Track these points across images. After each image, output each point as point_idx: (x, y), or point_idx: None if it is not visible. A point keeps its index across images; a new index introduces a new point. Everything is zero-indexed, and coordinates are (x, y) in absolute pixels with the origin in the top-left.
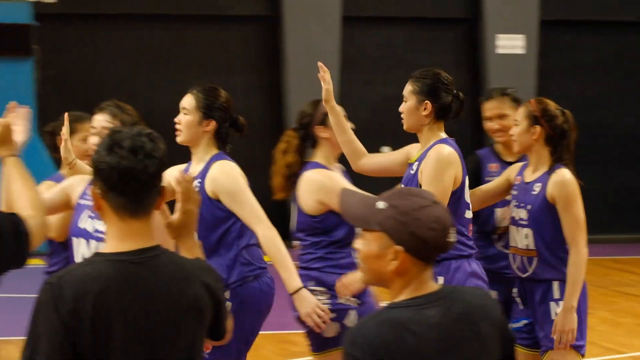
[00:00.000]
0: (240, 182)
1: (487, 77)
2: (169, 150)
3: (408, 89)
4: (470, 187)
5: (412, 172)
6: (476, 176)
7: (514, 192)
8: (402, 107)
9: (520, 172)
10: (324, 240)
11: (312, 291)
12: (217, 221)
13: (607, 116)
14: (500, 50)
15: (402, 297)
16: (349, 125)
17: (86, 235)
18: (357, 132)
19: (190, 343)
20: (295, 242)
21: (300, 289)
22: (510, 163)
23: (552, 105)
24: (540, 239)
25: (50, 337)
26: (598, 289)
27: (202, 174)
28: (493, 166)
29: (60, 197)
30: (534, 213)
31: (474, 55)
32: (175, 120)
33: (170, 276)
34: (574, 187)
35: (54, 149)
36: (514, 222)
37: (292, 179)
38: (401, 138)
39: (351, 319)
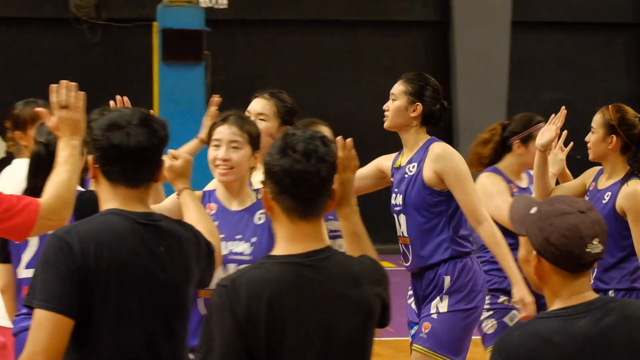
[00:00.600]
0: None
1: None
2: None
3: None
4: None
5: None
6: None
7: (586, 198)
8: (390, 105)
9: (596, 178)
10: None
11: None
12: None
13: None
14: None
15: (554, 307)
16: None
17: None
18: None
19: (362, 344)
20: None
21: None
22: None
23: (630, 113)
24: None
25: (225, 339)
26: None
27: (419, 158)
28: None
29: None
30: None
31: None
32: (384, 107)
33: (340, 278)
34: None
35: None
36: None
37: (477, 168)
38: (576, 141)
39: (511, 318)
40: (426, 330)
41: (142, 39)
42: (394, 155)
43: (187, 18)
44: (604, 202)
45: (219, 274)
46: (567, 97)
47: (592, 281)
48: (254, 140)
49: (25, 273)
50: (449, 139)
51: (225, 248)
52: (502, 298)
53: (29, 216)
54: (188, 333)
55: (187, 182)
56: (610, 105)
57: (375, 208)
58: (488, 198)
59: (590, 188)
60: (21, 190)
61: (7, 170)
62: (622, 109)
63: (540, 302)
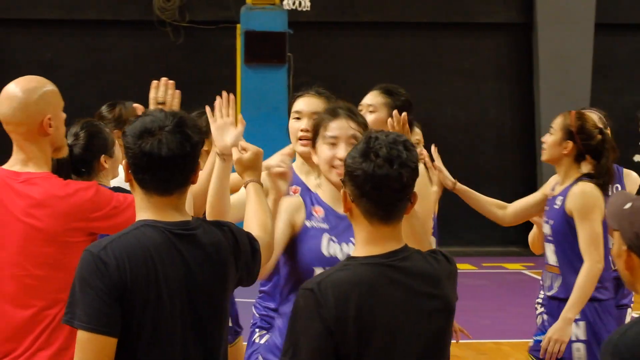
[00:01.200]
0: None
1: None
2: None
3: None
4: None
5: (556, 206)
6: None
7: (546, 208)
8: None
9: (554, 186)
10: None
11: None
12: None
13: None
14: None
15: None
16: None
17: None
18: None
19: (444, 343)
20: None
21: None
22: None
23: (590, 123)
24: (562, 255)
25: (312, 343)
26: None
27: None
28: None
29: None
30: (555, 228)
31: None
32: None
33: (421, 277)
34: (594, 200)
35: None
36: (545, 238)
37: None
38: None
39: None
40: None
41: (225, 41)
42: None
43: (270, 20)
44: (556, 207)
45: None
46: None
47: (557, 289)
48: None
49: None
50: (532, 142)
51: (340, 251)
52: None
53: (133, 213)
54: (227, 336)
55: (255, 175)
56: (573, 111)
57: (453, 209)
58: None
59: (550, 197)
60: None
61: None
62: (583, 117)
63: None
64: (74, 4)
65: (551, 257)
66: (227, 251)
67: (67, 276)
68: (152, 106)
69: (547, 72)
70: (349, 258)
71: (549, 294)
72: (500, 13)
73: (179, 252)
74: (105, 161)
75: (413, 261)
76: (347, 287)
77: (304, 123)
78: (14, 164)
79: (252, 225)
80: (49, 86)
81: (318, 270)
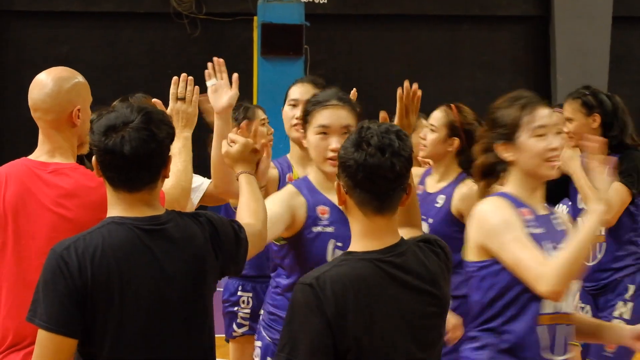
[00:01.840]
0: None
1: None
2: None
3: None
4: None
5: None
6: None
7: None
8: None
9: (422, 181)
10: None
11: None
12: None
13: None
14: None
15: None
16: None
17: None
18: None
19: (438, 338)
20: None
21: None
22: None
23: (471, 115)
24: None
25: (312, 338)
26: None
27: None
28: None
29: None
30: (434, 227)
31: None
32: None
33: (418, 272)
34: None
35: None
36: None
37: None
38: None
39: None
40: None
41: (242, 33)
42: None
43: (287, 13)
44: (437, 205)
45: None
46: None
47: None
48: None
49: None
50: None
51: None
52: None
53: None
54: (211, 330)
55: (245, 166)
56: (452, 105)
57: None
58: None
59: (419, 192)
60: None
61: None
62: (464, 110)
63: None
64: None
65: None
66: (204, 243)
67: None
68: (172, 102)
69: (564, 65)
70: (347, 253)
71: None
72: (517, 6)
73: (148, 248)
74: None
75: (410, 256)
76: (345, 283)
77: (335, 142)
78: (40, 155)
79: (243, 214)
80: (81, 78)
81: None
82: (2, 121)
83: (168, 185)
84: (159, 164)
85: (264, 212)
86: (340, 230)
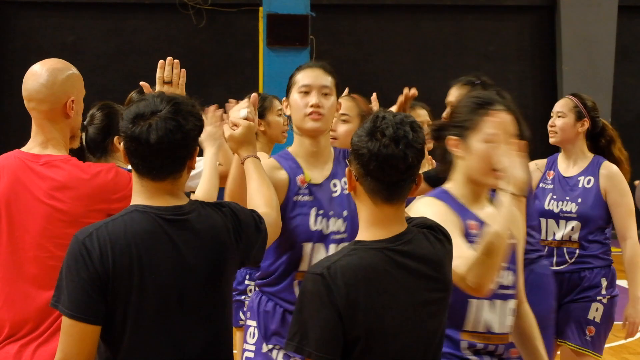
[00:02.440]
0: None
1: None
2: None
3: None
4: None
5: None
6: None
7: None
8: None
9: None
10: None
11: None
12: None
13: None
14: None
15: None
16: None
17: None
18: (631, 123)
19: (440, 324)
20: None
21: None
22: None
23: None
24: None
25: (322, 327)
26: None
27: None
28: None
29: None
30: None
31: None
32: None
33: (425, 260)
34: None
35: None
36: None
37: None
38: None
39: None
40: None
41: (247, 24)
42: None
43: (292, 3)
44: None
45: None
46: None
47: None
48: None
49: None
50: None
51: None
52: None
53: None
54: (229, 319)
55: (250, 149)
56: (355, 95)
57: None
58: None
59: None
60: None
61: None
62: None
63: None
64: None
65: None
66: (226, 233)
67: None
68: (159, 86)
69: (570, 55)
70: (356, 242)
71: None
72: None
73: (169, 237)
74: (119, 142)
75: (417, 243)
76: (356, 272)
77: (314, 98)
78: (32, 147)
79: (257, 201)
80: (75, 70)
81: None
82: (10, 109)
83: (199, 195)
84: (184, 155)
85: (276, 197)
86: (320, 201)
